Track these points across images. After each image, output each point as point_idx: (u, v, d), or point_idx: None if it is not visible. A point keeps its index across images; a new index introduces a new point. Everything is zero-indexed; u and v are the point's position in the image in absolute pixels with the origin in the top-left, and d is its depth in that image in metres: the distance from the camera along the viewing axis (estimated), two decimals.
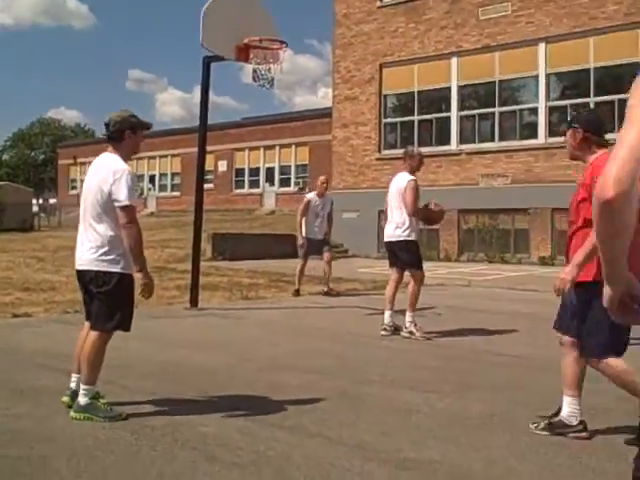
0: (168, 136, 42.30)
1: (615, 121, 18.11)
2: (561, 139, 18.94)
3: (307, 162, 36.60)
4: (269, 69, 10.26)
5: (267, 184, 38.79)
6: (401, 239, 7.96)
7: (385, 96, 22.71)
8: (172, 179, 43.78)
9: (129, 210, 4.50)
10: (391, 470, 3.74)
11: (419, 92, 21.94)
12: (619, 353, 4.05)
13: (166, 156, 42.99)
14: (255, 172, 39.46)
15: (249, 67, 10.40)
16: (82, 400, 4.52)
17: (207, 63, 10.32)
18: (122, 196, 4.47)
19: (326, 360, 6.59)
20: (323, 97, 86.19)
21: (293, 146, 37.44)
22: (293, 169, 37.94)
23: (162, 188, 44.42)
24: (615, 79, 18.39)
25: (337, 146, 23.51)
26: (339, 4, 23.41)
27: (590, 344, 4.11)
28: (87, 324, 4.75)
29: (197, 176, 10.61)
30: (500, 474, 3.72)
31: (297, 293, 11.68)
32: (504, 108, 20.29)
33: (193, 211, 10.53)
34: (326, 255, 11.93)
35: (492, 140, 20.37)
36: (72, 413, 4.53)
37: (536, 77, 19.52)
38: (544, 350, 7.18)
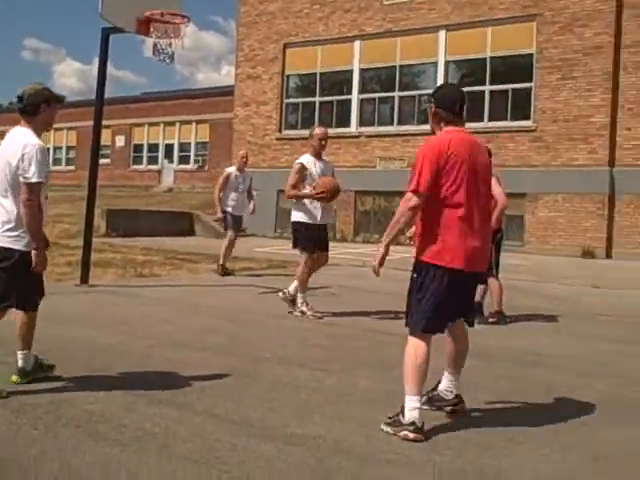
0: (64, 109, 40.60)
1: (508, 110, 18.77)
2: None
3: (207, 140, 36.21)
4: (170, 44, 10.08)
5: (166, 161, 38.17)
6: (291, 220, 8.12)
7: (288, 76, 22.69)
8: (67, 153, 42.49)
9: (33, 187, 4.40)
10: (277, 445, 3.79)
11: (321, 74, 22.02)
12: (426, 331, 4.17)
13: (62, 129, 41.54)
14: (154, 148, 38.75)
15: (150, 41, 10.18)
16: None
17: (106, 35, 10.04)
18: (29, 172, 4.38)
19: (218, 338, 6.58)
20: (226, 75, 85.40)
21: (194, 123, 36.94)
22: (193, 146, 37.44)
23: (56, 162, 42.97)
24: (510, 69, 18.99)
25: (238, 124, 23.36)
26: None
27: (408, 316, 4.29)
28: None
29: (92, 150, 10.31)
30: (380, 448, 3.83)
31: (224, 270, 11.45)
32: (404, 93, 20.61)
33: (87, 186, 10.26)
34: (237, 234, 11.86)
35: (391, 124, 20.68)
36: None
37: (435, 64, 19.92)
38: None
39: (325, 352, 6.18)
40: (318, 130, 8.19)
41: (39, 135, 4.59)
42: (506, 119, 18.66)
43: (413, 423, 3.98)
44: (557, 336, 7.45)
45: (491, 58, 19.01)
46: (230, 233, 11.66)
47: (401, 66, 20.59)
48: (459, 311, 4.32)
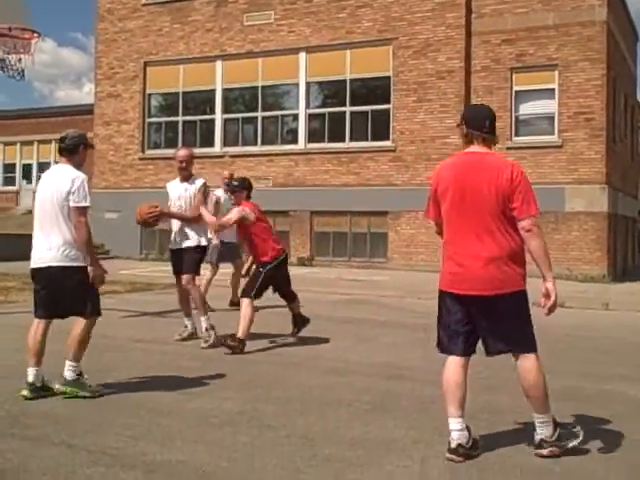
0: None
1: (368, 131, 19.29)
2: (320, 145, 19.64)
3: None
4: (19, 59, 9.77)
5: (24, 182, 36.61)
6: None
7: (149, 95, 22.36)
8: None
9: (84, 211, 5.21)
10: (136, 474, 3.70)
11: (184, 93, 21.85)
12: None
13: None
14: (11, 168, 37.11)
15: None
16: (69, 375, 5.22)
17: None
18: (80, 197, 5.18)
19: None
20: (88, 93, 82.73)
21: (53, 142, 35.61)
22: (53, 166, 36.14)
23: None
24: (369, 91, 19.55)
25: (99, 144, 22.71)
26: None
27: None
28: (38, 320, 5.43)
29: None
30: (243, 470, 3.81)
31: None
32: (267, 113, 20.77)
33: None
34: (239, 262, 10.64)
35: (255, 144, 20.77)
36: (57, 386, 5.18)
37: (297, 85, 20.20)
38: (296, 348, 7.47)
39: (189, 375, 6.08)
40: (178, 152, 8.13)
41: (78, 170, 5.35)
42: (367, 139, 19.16)
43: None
44: (422, 350, 7.65)
45: (351, 80, 19.50)
46: (214, 268, 10.61)
47: (263, 87, 20.74)
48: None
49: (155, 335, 8.02)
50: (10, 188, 36.76)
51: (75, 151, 5.40)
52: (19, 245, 19.21)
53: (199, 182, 7.98)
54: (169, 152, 21.37)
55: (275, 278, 7.58)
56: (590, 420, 4.83)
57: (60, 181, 5.25)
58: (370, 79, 19.48)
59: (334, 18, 19.52)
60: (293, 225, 19.77)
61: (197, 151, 20.83)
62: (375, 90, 19.38)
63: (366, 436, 4.45)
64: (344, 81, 19.57)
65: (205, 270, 10.30)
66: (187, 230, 7.83)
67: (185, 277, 7.78)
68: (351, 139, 19.23)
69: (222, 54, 21.00)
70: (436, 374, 6.36)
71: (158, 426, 4.55)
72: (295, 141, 20.17)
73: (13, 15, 9.75)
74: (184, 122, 21.90)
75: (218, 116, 21.23)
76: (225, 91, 21.26)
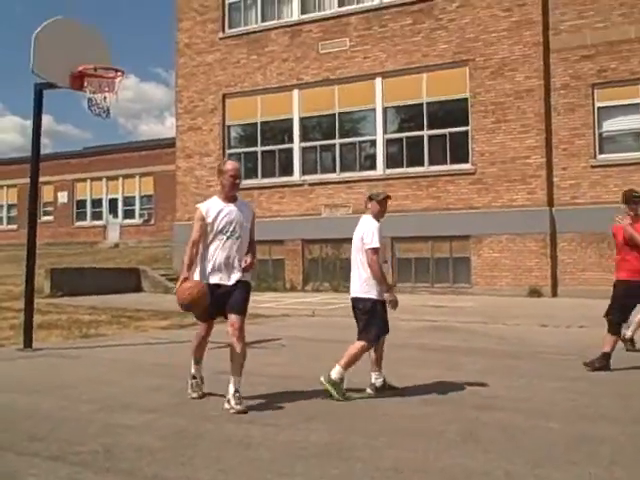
0: (3, 165, 40.43)
1: (447, 154, 19.13)
2: (399, 170, 19.74)
3: (152, 193, 36.00)
4: (105, 98, 10.06)
5: (111, 216, 37.77)
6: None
7: (229, 127, 22.79)
8: (8, 211, 41.72)
9: (374, 251, 6.52)
10: None
11: (262, 123, 22.18)
12: None
13: (1, 187, 40.98)
14: (98, 203, 38.34)
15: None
16: (334, 376, 6.37)
17: (39, 90, 10.01)
18: (368, 240, 6.55)
19: (165, 397, 6.44)
20: (170, 127, 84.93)
21: (137, 176, 36.71)
22: (138, 200, 37.15)
23: None
24: (446, 113, 19.42)
25: (181, 176, 23.30)
26: (181, 33, 23.37)
27: None
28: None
29: (29, 207, 10.22)
30: None
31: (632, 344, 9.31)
32: (344, 140, 20.86)
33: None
34: None
35: (333, 171, 20.87)
36: (321, 378, 6.42)
37: (373, 110, 20.25)
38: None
39: (276, 405, 6.08)
40: (228, 165, 6.35)
41: (378, 220, 6.77)
42: (446, 163, 19.02)
43: None
44: (510, 378, 7.48)
45: (427, 103, 19.42)
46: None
47: (340, 113, 20.88)
48: None
49: None
50: (98, 223, 37.96)
51: (365, 205, 6.96)
52: (107, 278, 19.89)
53: (250, 208, 6.53)
54: (249, 182, 21.73)
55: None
56: None
57: (359, 228, 6.70)
58: (447, 102, 19.36)
59: (409, 42, 19.53)
60: None
61: (276, 180, 21.29)
62: (452, 112, 19.24)
63: (456, 468, 4.35)
64: (421, 105, 19.51)
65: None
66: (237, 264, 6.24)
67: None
68: (430, 163, 19.12)
69: (298, 83, 21.26)
70: (525, 402, 6.22)
71: (248, 459, 4.55)
72: (374, 167, 20.17)
73: (97, 55, 10.08)
74: (263, 152, 22.20)
75: (296, 145, 21.46)
76: (302, 120, 21.48)
